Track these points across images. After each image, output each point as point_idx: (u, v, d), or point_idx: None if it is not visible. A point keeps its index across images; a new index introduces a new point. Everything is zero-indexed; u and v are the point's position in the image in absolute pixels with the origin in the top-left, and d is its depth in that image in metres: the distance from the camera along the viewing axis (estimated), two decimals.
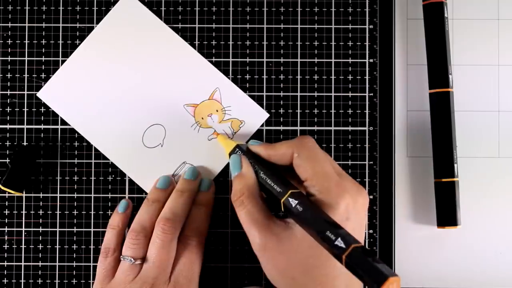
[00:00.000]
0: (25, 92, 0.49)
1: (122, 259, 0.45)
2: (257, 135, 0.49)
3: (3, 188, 0.47)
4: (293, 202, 0.39)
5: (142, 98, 0.49)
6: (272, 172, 0.42)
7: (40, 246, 0.49)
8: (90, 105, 0.49)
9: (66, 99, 0.49)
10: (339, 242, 0.35)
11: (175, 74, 0.49)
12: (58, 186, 0.49)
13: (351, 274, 0.35)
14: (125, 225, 0.47)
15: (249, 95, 0.49)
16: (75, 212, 0.49)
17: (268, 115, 0.49)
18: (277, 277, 0.40)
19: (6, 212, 0.49)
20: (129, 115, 0.49)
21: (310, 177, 0.40)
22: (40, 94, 0.49)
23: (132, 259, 0.44)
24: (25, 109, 0.49)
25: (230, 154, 0.45)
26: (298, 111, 0.49)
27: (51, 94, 0.49)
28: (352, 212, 0.39)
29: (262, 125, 0.49)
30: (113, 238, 0.46)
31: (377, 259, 0.33)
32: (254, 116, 0.49)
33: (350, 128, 0.49)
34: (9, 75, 0.49)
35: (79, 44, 0.49)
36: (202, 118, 0.49)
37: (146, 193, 0.49)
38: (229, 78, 0.49)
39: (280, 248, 0.39)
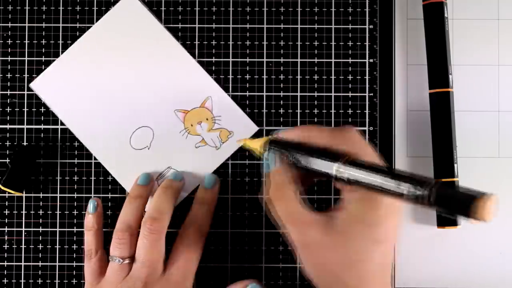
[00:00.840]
0: (25, 92, 0.49)
1: (110, 259, 0.45)
2: (257, 137, 0.49)
3: (3, 188, 0.47)
4: (345, 173, 0.36)
5: (134, 99, 0.49)
6: (311, 154, 0.39)
7: (40, 246, 0.49)
8: (81, 100, 0.49)
9: (58, 92, 0.49)
10: (418, 190, 0.33)
11: (169, 79, 0.49)
12: (58, 186, 0.49)
13: (385, 266, 0.36)
14: (100, 224, 0.47)
15: (249, 95, 0.49)
16: (75, 212, 0.49)
17: (257, 128, 0.49)
18: (319, 273, 0.39)
19: (6, 212, 0.49)
20: (119, 115, 0.49)
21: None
22: (33, 85, 0.49)
23: (120, 259, 0.44)
24: (25, 109, 0.49)
25: (263, 151, 0.43)
26: (298, 111, 0.49)
27: (44, 85, 0.49)
28: (391, 233, 0.38)
29: (262, 125, 0.49)
30: (92, 239, 0.46)
31: (460, 187, 0.32)
32: (243, 128, 0.49)
33: None
34: (9, 75, 0.49)
35: None
36: (192, 125, 0.49)
37: None
38: (229, 78, 0.49)
39: (321, 244, 0.38)
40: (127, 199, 0.46)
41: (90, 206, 0.47)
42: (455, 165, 0.47)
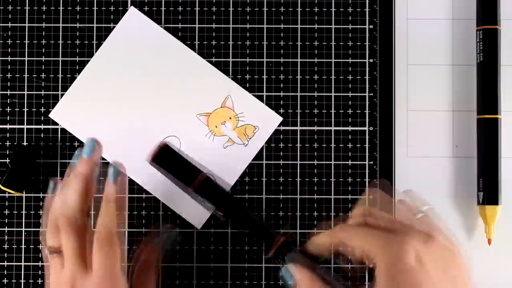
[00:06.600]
0: (25, 92, 0.49)
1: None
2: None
3: (3, 188, 0.47)
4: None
5: (155, 112, 0.49)
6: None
7: (40, 246, 0.49)
8: (103, 121, 0.49)
9: (79, 117, 0.49)
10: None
11: (186, 85, 0.49)
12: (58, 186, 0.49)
13: None
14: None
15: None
16: None
17: (281, 118, 0.49)
18: None
19: (6, 212, 0.49)
20: (144, 130, 0.49)
21: None
22: (53, 115, 0.49)
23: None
24: (25, 109, 0.49)
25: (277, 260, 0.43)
26: (298, 111, 0.49)
27: (63, 114, 0.49)
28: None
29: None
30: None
31: None
32: (268, 120, 0.49)
33: (350, 128, 0.49)
34: (9, 75, 0.49)
35: (79, 44, 0.49)
36: (216, 127, 0.49)
37: (147, 194, 0.49)
38: (228, 77, 0.49)
39: None
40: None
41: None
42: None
